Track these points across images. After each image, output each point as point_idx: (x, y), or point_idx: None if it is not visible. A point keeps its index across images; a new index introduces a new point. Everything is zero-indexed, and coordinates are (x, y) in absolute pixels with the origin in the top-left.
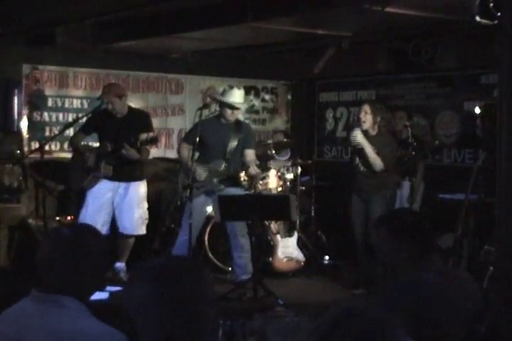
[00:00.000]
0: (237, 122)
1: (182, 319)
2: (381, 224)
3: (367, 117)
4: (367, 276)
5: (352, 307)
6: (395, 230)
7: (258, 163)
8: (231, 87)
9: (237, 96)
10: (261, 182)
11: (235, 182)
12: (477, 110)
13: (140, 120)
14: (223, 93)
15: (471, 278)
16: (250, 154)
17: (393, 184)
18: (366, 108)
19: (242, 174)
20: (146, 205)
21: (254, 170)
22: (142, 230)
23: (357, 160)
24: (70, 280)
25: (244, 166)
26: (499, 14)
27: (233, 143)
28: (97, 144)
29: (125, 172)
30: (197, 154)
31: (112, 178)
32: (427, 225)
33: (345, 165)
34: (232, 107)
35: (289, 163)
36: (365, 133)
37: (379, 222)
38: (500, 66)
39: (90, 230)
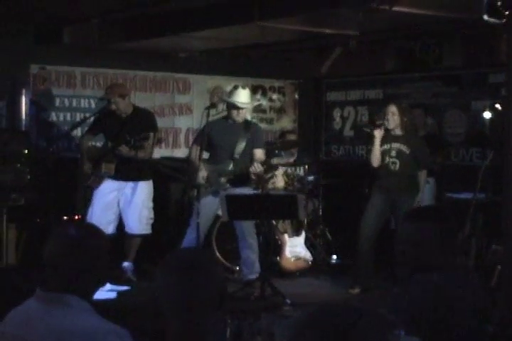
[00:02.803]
0: (246, 122)
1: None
2: (428, 218)
3: (394, 118)
4: (364, 274)
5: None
6: (442, 225)
7: (264, 159)
8: (236, 87)
9: (241, 95)
10: (268, 181)
11: (243, 182)
12: (486, 115)
13: (144, 119)
14: (229, 93)
15: (475, 276)
16: (259, 153)
17: (421, 185)
18: (393, 109)
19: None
20: (151, 205)
21: (256, 167)
22: (147, 230)
23: (387, 159)
24: (75, 279)
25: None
26: (507, 13)
27: (241, 144)
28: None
29: (132, 171)
30: (207, 155)
31: (118, 178)
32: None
33: (357, 164)
34: (238, 107)
35: (292, 160)
36: (391, 132)
37: (424, 216)
38: (507, 65)
39: (95, 229)
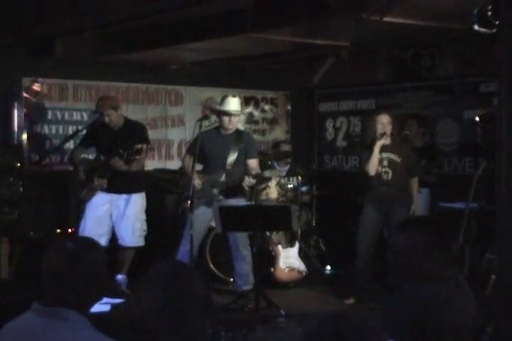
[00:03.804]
0: (238, 132)
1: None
2: (418, 228)
3: (388, 127)
4: (361, 286)
5: (337, 314)
6: (433, 235)
7: (259, 172)
8: (226, 96)
9: (231, 103)
10: (262, 192)
11: (235, 193)
12: (478, 124)
13: (136, 132)
14: (219, 103)
15: (466, 285)
16: (253, 163)
17: (414, 194)
18: (387, 119)
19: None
20: (144, 217)
21: (247, 182)
22: (141, 242)
23: (379, 169)
24: (72, 293)
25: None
26: (497, 23)
27: (233, 154)
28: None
29: (125, 184)
30: (200, 166)
31: (110, 190)
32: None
33: (350, 174)
34: (229, 114)
35: (283, 173)
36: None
37: (415, 226)
38: (499, 74)
39: (91, 243)
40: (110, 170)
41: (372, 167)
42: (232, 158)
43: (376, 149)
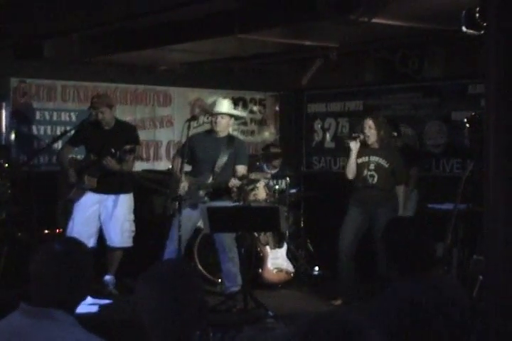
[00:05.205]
0: (229, 137)
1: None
2: (382, 235)
3: (371, 132)
4: (345, 286)
5: (326, 314)
6: (390, 242)
7: (246, 174)
8: (217, 99)
9: (221, 104)
10: (250, 193)
11: (221, 195)
12: (466, 125)
13: (127, 132)
14: (210, 105)
15: (460, 286)
16: (241, 169)
17: (401, 200)
18: (370, 123)
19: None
20: (132, 217)
21: (233, 182)
22: (129, 243)
23: (365, 172)
24: (59, 294)
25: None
26: (485, 24)
27: (223, 158)
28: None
29: (113, 184)
30: (190, 168)
31: (99, 191)
32: (425, 237)
33: (338, 175)
34: (217, 113)
35: (269, 175)
36: (370, 145)
37: (382, 233)
38: (486, 76)
39: (79, 245)
40: (101, 170)
41: (350, 171)
42: (221, 161)
43: (352, 153)
